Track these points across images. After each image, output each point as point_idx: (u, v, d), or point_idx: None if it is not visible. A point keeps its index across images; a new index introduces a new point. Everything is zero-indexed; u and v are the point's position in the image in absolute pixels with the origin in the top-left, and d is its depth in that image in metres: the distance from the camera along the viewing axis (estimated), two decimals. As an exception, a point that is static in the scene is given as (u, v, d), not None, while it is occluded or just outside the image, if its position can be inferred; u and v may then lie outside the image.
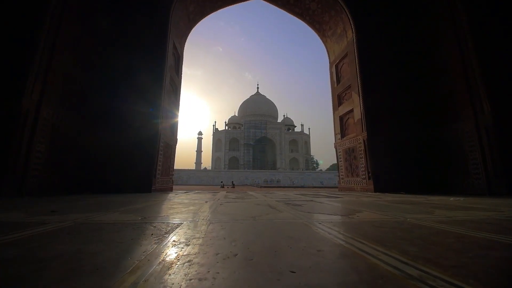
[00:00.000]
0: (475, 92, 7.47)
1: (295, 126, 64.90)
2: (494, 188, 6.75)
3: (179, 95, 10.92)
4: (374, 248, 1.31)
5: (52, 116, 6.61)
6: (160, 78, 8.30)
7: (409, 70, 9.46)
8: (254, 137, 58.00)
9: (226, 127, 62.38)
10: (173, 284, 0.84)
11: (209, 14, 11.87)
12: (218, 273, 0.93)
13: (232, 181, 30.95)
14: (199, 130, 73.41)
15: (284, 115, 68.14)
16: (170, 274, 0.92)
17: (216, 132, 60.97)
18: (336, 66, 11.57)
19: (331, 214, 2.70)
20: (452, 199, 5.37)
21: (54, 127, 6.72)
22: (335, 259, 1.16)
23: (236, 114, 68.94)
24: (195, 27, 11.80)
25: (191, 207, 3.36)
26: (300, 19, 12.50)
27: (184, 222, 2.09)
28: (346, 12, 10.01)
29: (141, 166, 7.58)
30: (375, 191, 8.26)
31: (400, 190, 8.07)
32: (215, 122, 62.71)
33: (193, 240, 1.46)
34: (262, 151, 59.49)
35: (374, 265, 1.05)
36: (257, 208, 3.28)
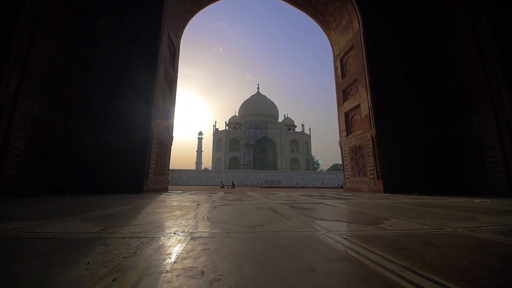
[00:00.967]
0: (494, 85, 6.87)
1: (296, 126, 64.33)
2: (519, 188, 6.14)
3: (175, 90, 10.34)
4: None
5: (33, 109, 6.03)
6: (153, 70, 7.70)
7: (420, 63, 8.86)
8: (255, 137, 57.41)
9: (227, 127, 61.82)
10: None
11: (208, 5, 11.29)
12: None
13: (232, 181, 30.35)
14: (199, 130, 72.75)
15: (284, 115, 67.64)
16: None
17: (216, 132, 60.41)
18: (341, 60, 10.96)
19: (352, 223, 2.10)
20: (478, 200, 4.76)
21: (35, 122, 6.14)
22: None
23: (237, 114, 68.40)
24: (192, 19, 11.21)
25: (177, 212, 2.76)
26: (302, 11, 11.91)
27: (156, 237, 1.49)
28: (352, 2, 9.41)
29: (132, 165, 6.98)
30: (385, 191, 7.65)
31: (411, 191, 7.45)
32: (216, 122, 62.22)
33: (147, 278, 0.86)
34: (262, 151, 58.89)
35: None
36: (257, 214, 2.69)
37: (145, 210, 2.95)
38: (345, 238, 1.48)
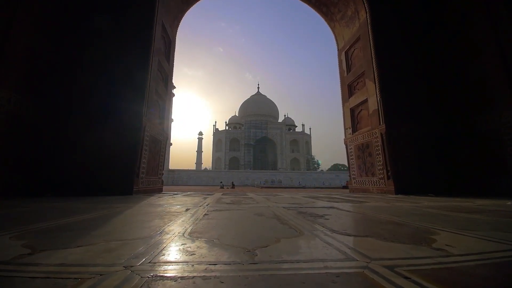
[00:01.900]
0: (516, 75, 6.27)
1: (296, 126, 63.66)
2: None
3: (171, 85, 9.75)
4: None
5: (9, 102, 5.43)
6: (144, 60, 7.08)
7: (432, 54, 8.24)
8: (255, 137, 56.77)
9: (227, 127, 61.16)
10: None
11: (205, -4, 10.68)
12: None
13: (232, 182, 29.75)
14: (199, 131, 72.05)
15: (284, 115, 66.91)
16: None
17: (216, 132, 59.76)
18: (346, 53, 10.35)
19: (392, 240, 1.49)
20: (510, 203, 4.15)
21: (13, 116, 5.54)
22: None
23: (237, 114, 67.78)
24: (190, 13, 10.60)
25: (156, 222, 2.15)
26: (305, 3, 11.30)
27: (87, 277, 0.88)
28: (358, -10, 8.81)
29: (120, 164, 6.37)
30: (396, 192, 7.03)
31: (425, 191, 6.84)
32: (216, 122, 61.50)
33: None
34: (262, 151, 58.24)
35: None
36: (258, 225, 2.08)
37: (116, 220, 2.34)
38: (407, 278, 0.88)
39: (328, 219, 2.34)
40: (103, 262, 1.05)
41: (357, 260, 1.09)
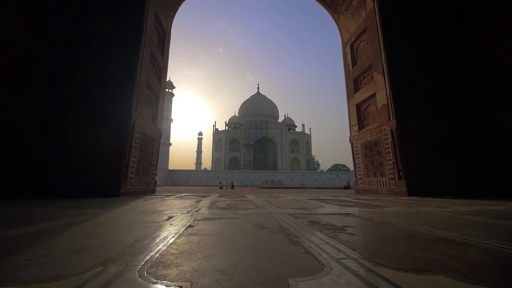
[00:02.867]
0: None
1: (296, 126, 63.08)
2: None
3: (165, 79, 9.15)
4: None
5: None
6: (134, 49, 6.46)
7: (449, 43, 7.61)
8: (255, 137, 56.18)
9: (227, 127, 60.57)
10: None
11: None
12: None
13: (232, 182, 29.14)
14: (199, 131, 71.34)
15: (285, 115, 66.29)
16: None
17: (216, 132, 59.15)
18: (351, 46, 9.76)
19: (482, 283, 0.90)
20: (552, 208, 3.55)
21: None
22: None
23: (237, 114, 67.22)
24: (184, 6, 10.00)
25: (118, 238, 1.56)
26: (307, -7, 10.71)
27: None
28: (365, -23, 8.23)
29: (106, 163, 5.77)
30: (409, 194, 6.43)
31: (440, 193, 6.25)
32: (215, 122, 60.89)
33: None
34: (262, 151, 57.65)
35: None
36: (258, 246, 1.48)
37: (70, 236, 1.74)
38: None
39: (353, 234, 1.74)
40: None
41: None
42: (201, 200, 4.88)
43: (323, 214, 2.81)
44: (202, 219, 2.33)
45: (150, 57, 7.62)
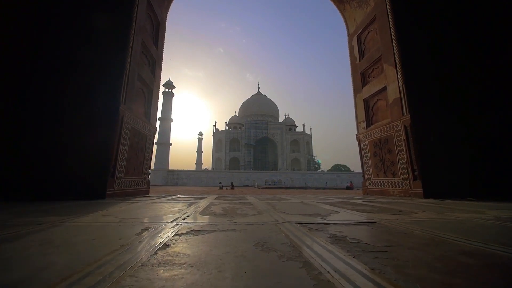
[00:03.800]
0: None
1: (297, 126, 62.48)
2: None
3: (159, 73, 8.55)
4: None
5: None
6: (122, 34, 5.88)
7: (471, 27, 6.97)
8: (255, 137, 55.58)
9: (227, 127, 59.99)
10: None
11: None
12: None
13: (232, 182, 28.53)
14: (199, 131, 70.68)
15: (285, 115, 65.70)
16: None
17: (216, 132, 58.58)
18: (358, 38, 9.17)
19: None
20: None
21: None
22: None
23: (237, 114, 66.67)
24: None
25: (39, 273, 0.96)
26: (311, -17, 10.12)
27: None
28: (375, -39, 7.63)
29: (91, 161, 5.18)
30: (426, 196, 5.82)
31: (460, 195, 5.65)
32: (216, 122, 60.31)
33: None
34: (263, 151, 57.03)
35: None
36: None
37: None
38: None
39: (406, 262, 1.14)
40: None
41: None
42: (195, 203, 4.28)
43: (343, 223, 2.21)
44: (185, 233, 1.73)
45: (142, 47, 7.03)
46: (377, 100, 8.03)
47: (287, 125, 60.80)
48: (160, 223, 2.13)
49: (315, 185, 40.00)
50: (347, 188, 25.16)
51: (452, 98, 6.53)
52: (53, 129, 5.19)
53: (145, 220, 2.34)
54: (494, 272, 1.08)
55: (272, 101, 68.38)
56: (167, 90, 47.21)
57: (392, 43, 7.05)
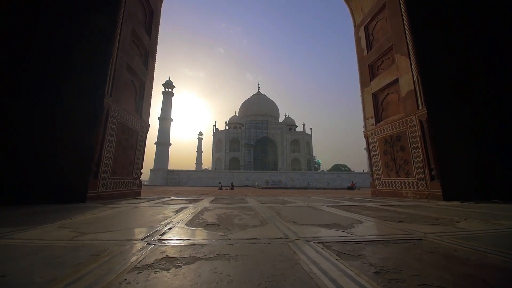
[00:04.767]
0: None
1: (297, 126, 61.86)
2: None
3: (153, 65, 7.94)
4: None
5: None
6: (107, 18, 5.27)
7: (487, 16, 6.37)
8: (255, 137, 54.96)
9: (227, 127, 59.37)
10: None
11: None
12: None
13: (232, 183, 27.93)
14: (199, 131, 69.93)
15: (285, 115, 65.09)
16: None
17: (216, 132, 57.95)
18: (366, 28, 8.57)
19: None
20: None
21: None
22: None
23: (237, 114, 66.05)
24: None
25: None
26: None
27: None
28: None
29: (70, 160, 4.57)
30: (445, 198, 5.22)
31: (484, 197, 5.05)
32: (216, 122, 59.68)
33: None
34: (263, 151, 56.41)
35: None
36: None
37: None
38: None
39: None
40: None
41: None
42: (186, 207, 3.68)
43: (379, 241, 1.61)
44: (151, 264, 1.13)
45: (132, 35, 6.43)
46: (388, 93, 7.42)
47: (287, 125, 60.22)
48: (125, 242, 1.53)
49: (315, 185, 39.44)
50: (349, 188, 24.54)
51: (469, 91, 5.93)
52: (30, 126, 4.58)
53: (107, 236, 1.74)
54: None
55: (272, 101, 67.77)
56: (167, 89, 46.58)
57: (405, 31, 6.45)
